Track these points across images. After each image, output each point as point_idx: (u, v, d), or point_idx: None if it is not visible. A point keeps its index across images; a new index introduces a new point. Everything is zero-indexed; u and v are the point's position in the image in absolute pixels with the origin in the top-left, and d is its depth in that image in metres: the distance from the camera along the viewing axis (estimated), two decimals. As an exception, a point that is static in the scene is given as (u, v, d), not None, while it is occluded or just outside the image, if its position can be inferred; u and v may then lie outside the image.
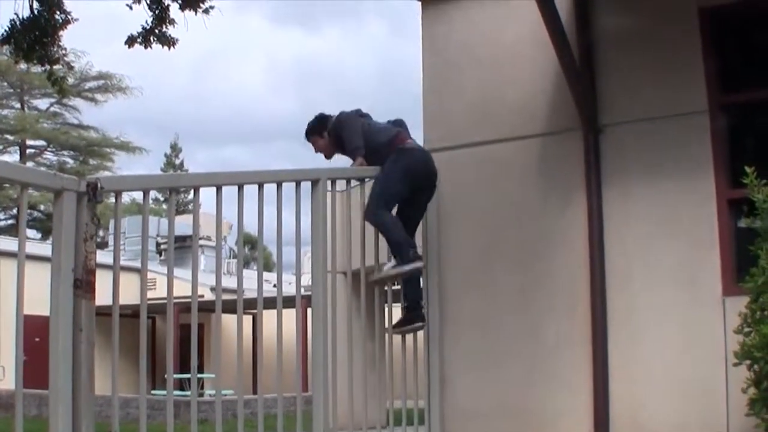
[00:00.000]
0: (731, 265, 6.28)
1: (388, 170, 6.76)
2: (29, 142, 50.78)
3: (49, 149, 51.54)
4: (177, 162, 65.35)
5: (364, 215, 6.75)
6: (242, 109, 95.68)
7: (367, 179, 6.89)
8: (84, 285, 4.44)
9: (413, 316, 6.81)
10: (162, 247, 36.29)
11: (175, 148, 66.46)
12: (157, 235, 36.41)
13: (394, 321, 6.92)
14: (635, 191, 6.69)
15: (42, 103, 50.81)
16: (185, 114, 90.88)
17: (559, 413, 6.74)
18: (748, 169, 5.06)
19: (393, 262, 6.72)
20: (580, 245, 6.78)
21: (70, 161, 51.14)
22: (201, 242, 32.80)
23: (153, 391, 21.88)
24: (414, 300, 6.83)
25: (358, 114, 7.22)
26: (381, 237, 6.78)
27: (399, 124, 7.26)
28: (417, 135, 7.20)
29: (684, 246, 6.43)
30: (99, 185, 4.52)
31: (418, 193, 6.90)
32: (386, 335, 6.88)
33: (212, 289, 5.94)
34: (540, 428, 6.77)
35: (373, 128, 7.07)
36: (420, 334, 7.08)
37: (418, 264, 6.70)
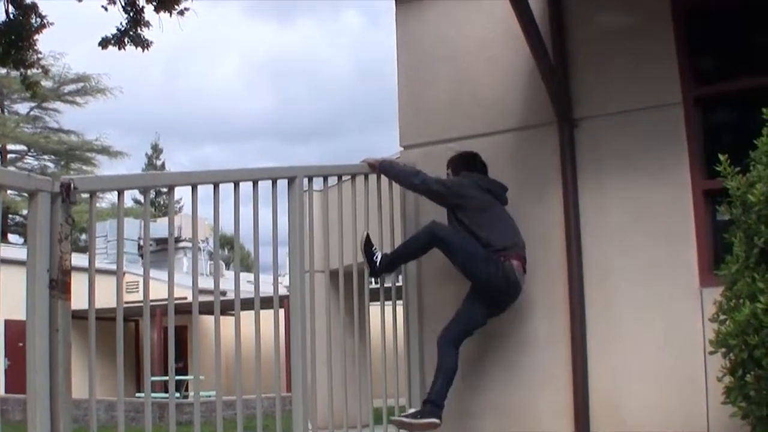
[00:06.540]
0: (708, 255, 6.30)
1: (473, 300, 6.60)
2: (9, 147, 50.62)
3: (29, 154, 51.33)
4: (158, 163, 65.09)
5: (439, 336, 6.50)
6: (220, 106, 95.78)
7: (345, 177, 6.88)
8: (59, 285, 4.46)
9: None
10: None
11: (156, 149, 66.27)
12: (139, 238, 36.24)
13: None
14: (611, 184, 6.69)
15: (22, 108, 50.68)
16: (164, 114, 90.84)
17: (540, 409, 6.75)
18: (721, 157, 5.07)
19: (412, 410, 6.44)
20: (557, 240, 6.79)
21: (51, 165, 50.95)
22: (183, 244, 32.71)
23: (137, 394, 21.86)
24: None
25: (488, 192, 6.75)
26: (358, 234, 6.78)
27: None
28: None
29: (660, 238, 6.44)
30: (72, 186, 4.55)
31: None
32: (366, 333, 6.86)
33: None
34: (521, 425, 6.77)
35: (489, 215, 6.63)
36: (400, 330, 7.07)
37: (435, 421, 6.24)
